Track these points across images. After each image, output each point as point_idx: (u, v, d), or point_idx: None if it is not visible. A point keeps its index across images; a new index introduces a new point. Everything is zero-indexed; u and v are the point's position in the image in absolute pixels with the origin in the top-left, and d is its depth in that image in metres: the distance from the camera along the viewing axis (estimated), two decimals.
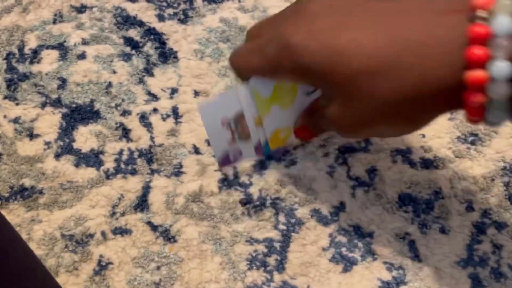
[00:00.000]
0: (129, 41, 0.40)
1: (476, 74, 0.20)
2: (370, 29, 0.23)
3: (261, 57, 0.27)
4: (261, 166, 0.35)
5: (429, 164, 0.35)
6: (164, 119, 0.37)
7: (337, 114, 0.25)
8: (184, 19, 0.42)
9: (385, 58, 0.23)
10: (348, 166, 0.35)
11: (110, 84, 0.38)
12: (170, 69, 0.39)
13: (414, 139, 0.36)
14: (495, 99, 0.20)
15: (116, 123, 0.36)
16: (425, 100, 0.22)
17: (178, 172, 0.34)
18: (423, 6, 0.23)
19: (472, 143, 0.35)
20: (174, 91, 0.38)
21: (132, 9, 0.42)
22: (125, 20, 0.41)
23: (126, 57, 0.39)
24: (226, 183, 0.34)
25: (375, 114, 0.24)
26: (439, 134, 0.36)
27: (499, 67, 0.19)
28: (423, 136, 0.36)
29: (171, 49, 0.40)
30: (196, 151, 0.35)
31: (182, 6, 0.42)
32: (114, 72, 0.39)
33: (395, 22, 0.23)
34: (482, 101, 0.21)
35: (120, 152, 0.35)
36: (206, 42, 0.40)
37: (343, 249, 0.32)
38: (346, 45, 0.23)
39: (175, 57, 0.39)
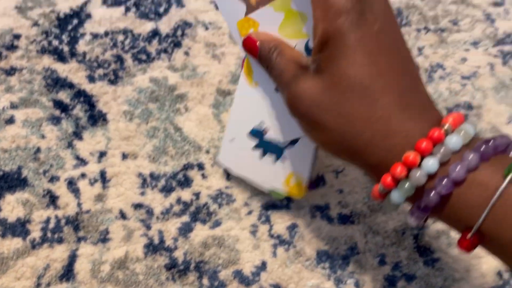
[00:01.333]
0: (58, 104, 0.41)
1: (412, 155, 0.24)
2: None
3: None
4: (186, 229, 0.36)
5: (345, 219, 0.37)
6: (92, 184, 0.37)
7: (313, 88, 0.26)
8: (114, 80, 0.43)
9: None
10: (271, 224, 0.37)
11: (38, 150, 0.39)
12: (99, 132, 0.40)
13: (332, 194, 0.38)
14: (409, 183, 0.24)
15: (44, 190, 0.37)
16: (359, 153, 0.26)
17: (104, 238, 0.35)
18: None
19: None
20: (102, 154, 0.39)
21: (62, 70, 0.43)
22: (55, 82, 0.42)
23: (55, 121, 0.40)
24: (152, 247, 0.35)
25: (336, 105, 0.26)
26: (355, 189, 0.38)
27: (431, 163, 0.24)
28: (341, 191, 0.38)
29: (101, 111, 0.41)
30: (123, 216, 0.36)
31: (113, 66, 0.43)
32: (43, 136, 0.39)
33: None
34: (402, 175, 0.24)
35: (47, 220, 0.36)
36: (136, 103, 0.41)
37: None
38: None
39: (105, 120, 0.40)
